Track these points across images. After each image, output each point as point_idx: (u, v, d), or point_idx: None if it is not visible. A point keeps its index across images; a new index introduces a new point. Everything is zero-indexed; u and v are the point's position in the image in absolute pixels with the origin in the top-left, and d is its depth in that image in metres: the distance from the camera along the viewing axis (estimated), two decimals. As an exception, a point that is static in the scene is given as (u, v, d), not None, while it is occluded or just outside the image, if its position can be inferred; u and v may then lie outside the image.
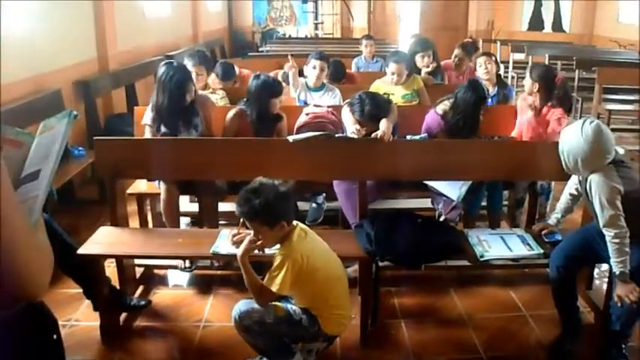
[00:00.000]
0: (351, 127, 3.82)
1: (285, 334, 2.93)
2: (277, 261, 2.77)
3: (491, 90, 5.22)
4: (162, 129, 4.05)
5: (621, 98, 8.79)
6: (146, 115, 4.14)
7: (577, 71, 9.39)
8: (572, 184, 3.52)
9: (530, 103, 4.49)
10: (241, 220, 3.16)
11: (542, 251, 3.43)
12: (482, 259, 3.35)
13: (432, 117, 4.36)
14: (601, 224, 3.01)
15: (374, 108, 3.97)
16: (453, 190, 3.94)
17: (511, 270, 4.25)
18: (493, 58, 5.43)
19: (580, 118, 8.93)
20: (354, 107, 4.02)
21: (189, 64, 4.86)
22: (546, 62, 10.13)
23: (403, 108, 4.52)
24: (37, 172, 1.50)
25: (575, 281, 3.36)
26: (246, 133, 4.22)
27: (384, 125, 3.77)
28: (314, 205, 4.46)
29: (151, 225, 4.51)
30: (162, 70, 4.03)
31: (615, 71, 8.63)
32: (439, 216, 4.17)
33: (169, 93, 3.97)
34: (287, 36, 14.01)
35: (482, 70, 5.34)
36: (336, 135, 3.77)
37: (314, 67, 5.00)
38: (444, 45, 8.13)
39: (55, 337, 1.66)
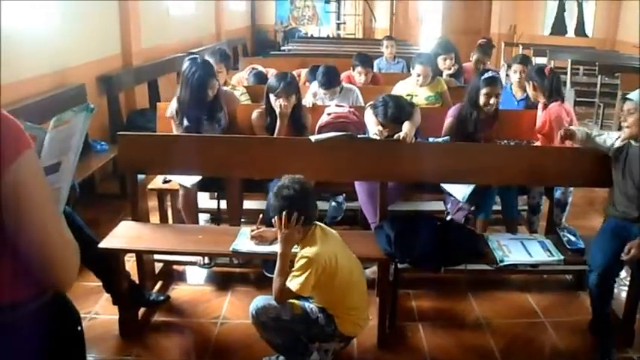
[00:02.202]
0: (373, 128, 3.81)
1: (301, 332, 2.94)
2: (301, 262, 2.77)
3: (520, 94, 5.20)
4: (185, 122, 4.11)
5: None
6: (170, 108, 4.21)
7: (599, 77, 9.31)
8: (604, 139, 3.57)
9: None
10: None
11: (562, 257, 3.41)
12: (502, 264, 3.34)
13: (456, 106, 4.44)
14: None
15: (397, 110, 3.97)
16: (459, 190, 3.94)
17: (530, 275, 4.23)
18: (529, 67, 5.41)
19: (601, 124, 8.89)
20: (377, 110, 4.02)
21: (210, 61, 4.90)
22: (569, 67, 10.09)
23: (426, 110, 4.50)
24: (57, 164, 1.52)
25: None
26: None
27: (406, 127, 3.78)
28: (334, 203, 4.46)
29: (170, 221, 4.55)
30: (186, 65, 4.10)
31: (638, 78, 8.54)
32: (447, 215, 4.19)
33: (191, 88, 4.03)
34: (309, 35, 14.01)
35: (517, 77, 5.31)
36: (358, 136, 3.77)
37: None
38: (466, 48, 8.07)
39: (79, 329, 1.69)
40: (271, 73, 5.94)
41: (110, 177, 5.91)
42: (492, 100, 4.17)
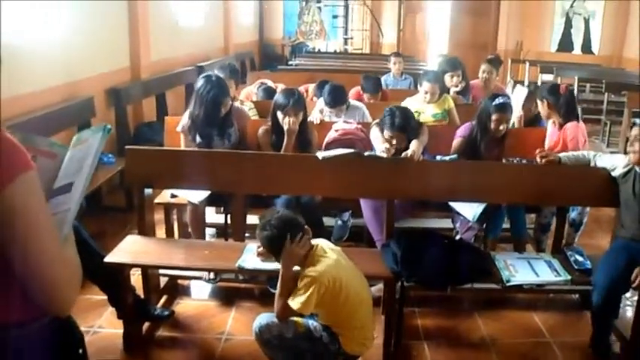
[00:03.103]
0: (380, 146, 3.82)
1: (304, 350, 2.92)
2: (304, 281, 2.78)
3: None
4: (198, 139, 4.13)
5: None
6: (182, 124, 4.22)
7: (606, 94, 9.29)
8: (606, 162, 3.64)
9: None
10: None
11: (569, 277, 3.40)
12: (508, 284, 3.32)
13: (466, 125, 4.44)
14: None
15: (404, 120, 4.00)
16: (469, 209, 3.93)
17: (536, 294, 4.21)
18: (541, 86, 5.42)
19: (608, 141, 8.87)
20: (384, 120, 4.05)
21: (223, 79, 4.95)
22: (575, 84, 10.07)
23: (433, 127, 4.51)
24: (69, 184, 1.51)
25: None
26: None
27: (414, 145, 3.79)
28: (339, 222, 4.46)
29: (177, 234, 4.55)
30: (200, 82, 4.11)
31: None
32: (456, 234, 4.18)
33: (206, 106, 4.05)
34: (316, 50, 14.04)
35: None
36: (366, 153, 3.77)
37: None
38: (473, 63, 8.08)
39: (80, 351, 1.68)
40: (280, 87, 5.96)
41: (117, 189, 5.91)
42: (502, 127, 4.19)
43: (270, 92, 5.78)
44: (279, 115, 4.15)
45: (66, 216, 1.48)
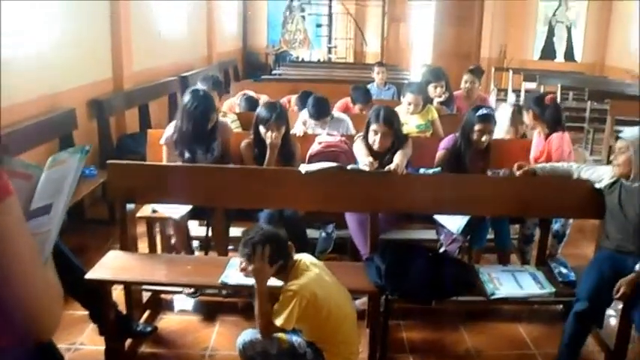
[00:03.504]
0: (363, 159, 3.81)
1: (289, 366, 2.90)
2: (285, 296, 2.77)
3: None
4: (186, 155, 4.11)
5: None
6: (165, 136, 4.20)
7: (589, 102, 9.35)
8: (590, 174, 3.65)
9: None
10: None
11: (553, 290, 3.41)
12: (493, 297, 3.32)
13: (449, 137, 4.44)
14: None
15: (390, 114, 4.07)
16: (453, 222, 3.93)
17: (521, 305, 4.21)
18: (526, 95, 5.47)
19: (591, 149, 8.93)
20: (370, 116, 4.10)
21: (202, 88, 4.92)
22: (558, 92, 10.14)
23: (417, 139, 4.52)
24: (48, 206, 1.49)
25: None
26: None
27: (397, 158, 3.79)
28: (323, 234, 4.44)
29: (159, 248, 4.51)
30: (187, 98, 4.11)
31: (627, 104, 8.59)
32: (440, 246, 4.18)
33: (194, 121, 4.04)
34: (300, 59, 14.05)
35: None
36: (349, 167, 3.76)
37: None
38: (456, 72, 8.09)
39: None
40: (263, 99, 5.95)
41: (99, 202, 5.86)
42: (484, 138, 4.19)
43: (252, 102, 5.77)
44: (262, 129, 4.14)
45: (47, 238, 1.46)
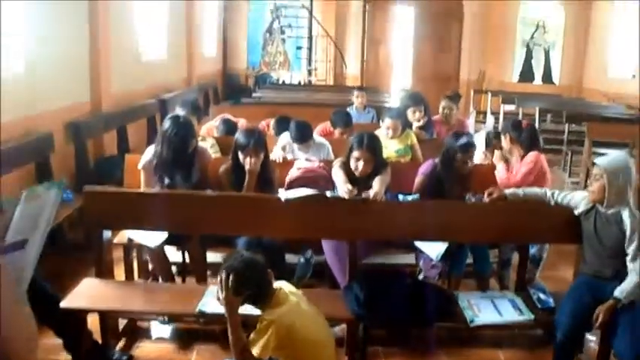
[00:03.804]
0: (342, 186, 3.80)
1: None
2: (261, 324, 2.74)
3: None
4: (166, 181, 4.09)
5: (610, 152, 8.84)
6: (144, 161, 4.18)
7: (567, 125, 9.45)
8: (568, 201, 3.67)
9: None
10: None
11: (532, 317, 3.42)
12: (472, 324, 3.31)
13: (428, 163, 4.45)
14: (630, 257, 3.29)
15: (372, 140, 4.06)
16: (432, 248, 3.93)
17: (501, 330, 4.18)
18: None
19: (570, 170, 9.00)
20: (352, 142, 4.09)
21: (181, 113, 4.91)
22: (537, 114, 10.25)
23: (396, 164, 4.53)
24: (23, 241, 1.47)
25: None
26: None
27: (376, 186, 3.78)
28: (302, 260, 4.40)
29: (136, 274, 4.45)
30: (167, 124, 4.09)
31: (604, 127, 8.72)
32: (419, 272, 4.18)
33: (174, 148, 4.03)
34: (280, 81, 14.08)
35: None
36: (328, 194, 3.75)
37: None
38: (436, 95, 8.12)
39: None
40: (241, 123, 5.94)
41: (75, 226, 5.78)
42: (465, 165, 4.23)
43: (230, 126, 5.75)
44: (240, 155, 4.12)
45: (22, 273, 1.44)
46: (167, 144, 4.03)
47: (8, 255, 1.44)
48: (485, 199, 3.79)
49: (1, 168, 4.45)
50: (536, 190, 3.86)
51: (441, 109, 6.30)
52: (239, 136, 4.20)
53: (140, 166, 4.20)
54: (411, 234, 3.83)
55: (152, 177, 4.14)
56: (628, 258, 3.30)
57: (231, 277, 2.75)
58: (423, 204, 3.96)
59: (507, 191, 3.84)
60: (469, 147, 4.23)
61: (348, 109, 7.17)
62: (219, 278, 2.79)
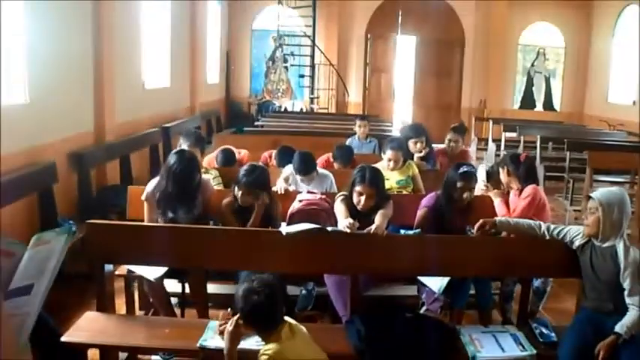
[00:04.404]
0: (343, 221, 3.81)
1: None
2: (261, 358, 2.76)
3: None
4: (170, 215, 4.10)
5: (612, 180, 8.85)
6: (147, 192, 4.22)
7: (568, 153, 9.44)
8: (563, 235, 3.65)
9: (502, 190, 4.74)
10: (228, 310, 3.15)
11: (535, 352, 3.38)
12: (474, 360, 3.30)
13: (430, 195, 4.46)
14: (627, 292, 3.29)
15: (374, 175, 4.09)
16: (435, 282, 3.93)
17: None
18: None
19: (571, 199, 8.98)
20: (355, 176, 4.10)
21: (184, 144, 4.97)
22: (538, 143, 10.26)
23: (397, 196, 4.54)
24: (29, 286, 1.47)
25: None
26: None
27: (378, 220, 3.79)
28: (304, 291, 4.40)
29: (137, 305, 4.45)
30: (173, 159, 4.13)
31: (606, 155, 8.71)
32: (422, 305, 4.18)
33: (179, 184, 4.07)
34: (283, 109, 14.14)
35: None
36: (329, 229, 3.75)
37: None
38: (438, 122, 8.20)
39: None
40: (243, 154, 5.96)
41: (77, 256, 5.77)
42: (466, 195, 4.24)
43: (228, 155, 5.77)
44: (236, 188, 4.19)
45: (25, 320, 1.44)
46: (172, 179, 4.06)
47: (13, 300, 1.45)
48: (475, 232, 3.79)
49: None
50: (529, 221, 3.85)
51: (446, 142, 6.31)
52: (240, 170, 4.24)
53: (143, 197, 4.23)
54: (412, 269, 3.82)
55: (155, 208, 4.17)
56: (625, 292, 3.30)
57: (249, 307, 2.78)
58: (424, 238, 3.95)
59: (498, 219, 3.85)
60: (470, 175, 4.25)
61: (349, 139, 7.22)
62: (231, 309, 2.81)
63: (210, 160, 5.88)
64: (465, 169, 4.25)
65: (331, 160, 5.95)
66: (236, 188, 4.17)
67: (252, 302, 2.79)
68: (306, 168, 4.95)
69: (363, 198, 4.01)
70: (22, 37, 5.23)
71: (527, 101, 15.85)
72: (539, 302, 4.55)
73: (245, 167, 4.27)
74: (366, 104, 15.28)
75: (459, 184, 4.21)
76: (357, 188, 4.05)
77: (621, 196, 3.42)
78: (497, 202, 4.58)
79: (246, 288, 2.83)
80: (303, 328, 3.00)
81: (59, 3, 5.93)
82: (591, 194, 3.49)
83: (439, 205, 4.30)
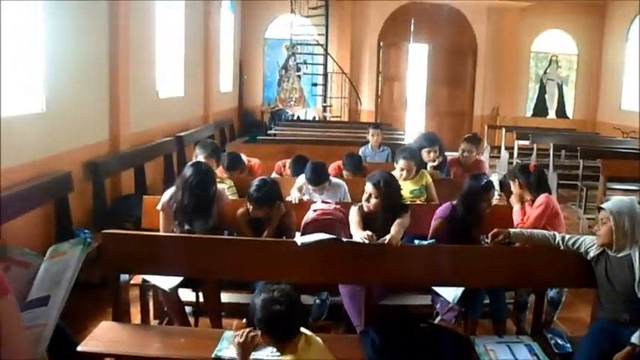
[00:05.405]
0: (359, 233, 3.82)
1: None
2: None
3: None
4: (186, 226, 4.13)
5: (625, 188, 8.81)
6: (162, 202, 4.25)
7: (581, 160, 9.41)
8: (578, 245, 3.64)
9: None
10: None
11: (549, 362, 3.37)
12: (489, 371, 3.29)
13: (445, 206, 4.46)
14: None
15: (379, 177, 4.15)
16: (449, 291, 3.93)
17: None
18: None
19: (585, 207, 8.93)
20: (370, 179, 4.15)
21: (201, 155, 4.99)
22: (551, 151, 10.22)
23: (411, 205, 4.53)
24: (46, 297, 1.49)
25: None
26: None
27: (394, 230, 3.80)
28: (318, 301, 4.41)
29: (152, 314, 4.49)
30: (189, 172, 4.16)
31: (619, 163, 8.65)
32: (436, 315, 4.19)
33: (195, 196, 4.10)
34: (296, 117, 14.16)
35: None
36: (344, 239, 3.77)
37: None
38: (450, 130, 8.17)
39: None
40: (253, 162, 5.97)
41: (93, 265, 5.80)
42: (486, 205, 4.31)
43: (233, 160, 5.77)
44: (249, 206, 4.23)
45: (43, 331, 1.45)
46: (188, 192, 4.10)
47: (30, 311, 1.46)
48: (488, 241, 3.80)
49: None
50: (543, 232, 3.85)
51: (460, 152, 6.29)
52: (251, 184, 4.29)
53: (159, 207, 4.27)
54: (426, 279, 3.83)
55: (170, 218, 4.20)
56: None
57: (269, 316, 2.78)
58: (438, 249, 3.95)
59: (512, 230, 3.85)
60: (491, 187, 4.29)
61: (362, 148, 7.23)
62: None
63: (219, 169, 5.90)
64: (486, 181, 4.28)
65: (342, 167, 5.97)
66: (248, 202, 4.22)
67: (272, 311, 2.77)
68: (318, 178, 4.96)
69: (371, 200, 4.06)
70: (39, 47, 5.27)
71: (540, 109, 15.82)
72: (554, 312, 4.53)
73: (255, 182, 4.29)
74: (378, 112, 15.29)
75: (481, 196, 4.23)
76: (366, 188, 4.12)
77: (631, 206, 3.43)
78: (517, 209, 4.57)
79: (267, 297, 2.82)
80: (319, 340, 3.00)
81: (77, 13, 5.98)
82: (602, 204, 3.49)
83: (455, 216, 4.31)
